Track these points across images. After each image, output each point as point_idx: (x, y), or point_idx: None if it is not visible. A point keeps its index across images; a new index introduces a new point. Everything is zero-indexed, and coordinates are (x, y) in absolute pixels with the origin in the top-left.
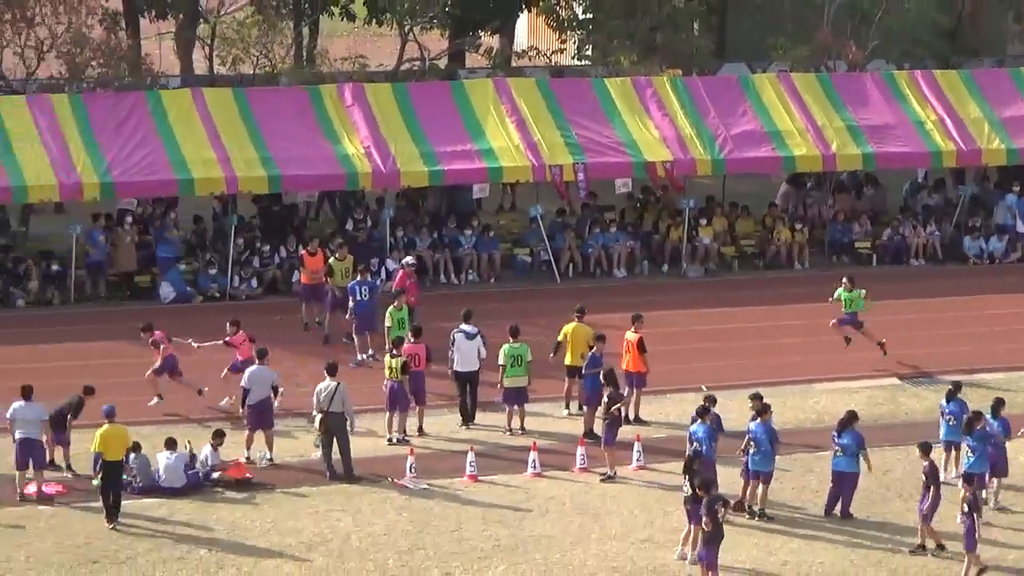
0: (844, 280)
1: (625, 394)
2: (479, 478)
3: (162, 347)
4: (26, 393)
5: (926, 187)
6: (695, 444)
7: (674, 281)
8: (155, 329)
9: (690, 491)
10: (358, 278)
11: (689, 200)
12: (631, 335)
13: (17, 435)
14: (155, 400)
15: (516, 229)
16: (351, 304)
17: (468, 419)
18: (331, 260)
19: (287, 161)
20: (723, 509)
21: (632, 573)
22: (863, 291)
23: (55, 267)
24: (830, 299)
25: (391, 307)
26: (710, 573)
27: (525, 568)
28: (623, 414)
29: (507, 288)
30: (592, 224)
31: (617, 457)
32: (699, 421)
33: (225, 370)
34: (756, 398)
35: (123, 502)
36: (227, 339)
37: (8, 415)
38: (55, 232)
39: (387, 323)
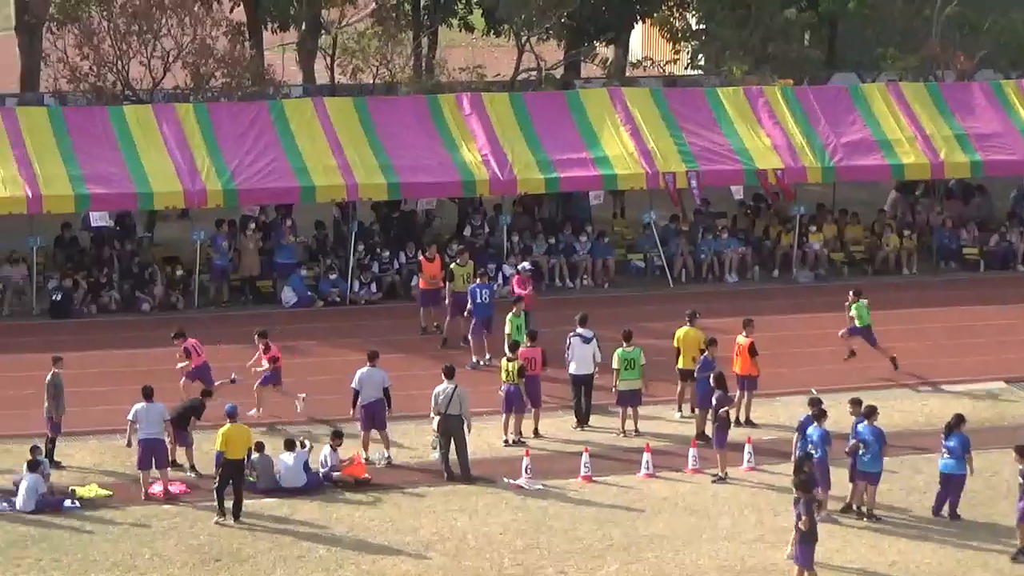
0: (851, 293)
1: (735, 397)
2: (593, 479)
3: (192, 354)
4: (147, 394)
5: None
6: (809, 446)
7: (784, 286)
8: (188, 336)
9: (799, 490)
10: (477, 281)
11: (799, 207)
12: (742, 339)
13: (140, 435)
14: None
15: (630, 235)
16: (470, 306)
17: (583, 421)
18: (452, 265)
19: (406, 168)
20: (818, 511)
21: (743, 572)
22: (866, 301)
23: (179, 272)
24: (847, 315)
25: (510, 313)
26: (805, 573)
27: (638, 567)
28: (733, 417)
29: (621, 293)
30: (704, 230)
31: (728, 459)
32: (815, 424)
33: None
34: (855, 403)
35: (245, 501)
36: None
37: (130, 416)
38: (180, 238)
39: (506, 329)
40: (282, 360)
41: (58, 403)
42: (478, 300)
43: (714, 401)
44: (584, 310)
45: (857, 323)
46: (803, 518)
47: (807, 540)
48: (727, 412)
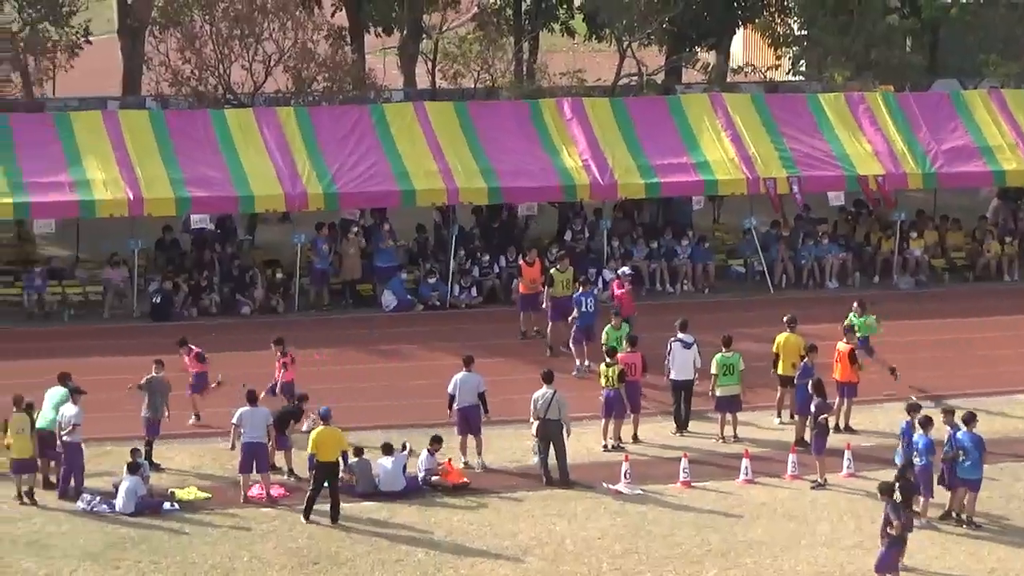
0: (855, 305)
1: (835, 404)
2: (692, 484)
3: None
4: (252, 398)
5: None
6: (913, 454)
7: (885, 292)
8: (191, 345)
9: (899, 499)
10: (581, 289)
11: (900, 213)
12: (842, 346)
13: (243, 439)
14: (192, 419)
15: (730, 240)
16: (575, 314)
17: (682, 427)
18: (552, 271)
19: (507, 173)
20: (917, 518)
21: None
22: (874, 316)
23: (279, 275)
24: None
25: (608, 325)
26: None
27: (736, 573)
28: (833, 423)
29: (721, 298)
30: (805, 236)
31: (827, 465)
32: (921, 431)
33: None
34: (948, 412)
35: (343, 504)
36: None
37: (235, 420)
38: (280, 241)
39: (603, 340)
40: (291, 371)
41: (155, 405)
42: (583, 308)
43: (813, 408)
44: (684, 315)
45: (858, 334)
46: (894, 523)
47: (895, 545)
48: (826, 419)
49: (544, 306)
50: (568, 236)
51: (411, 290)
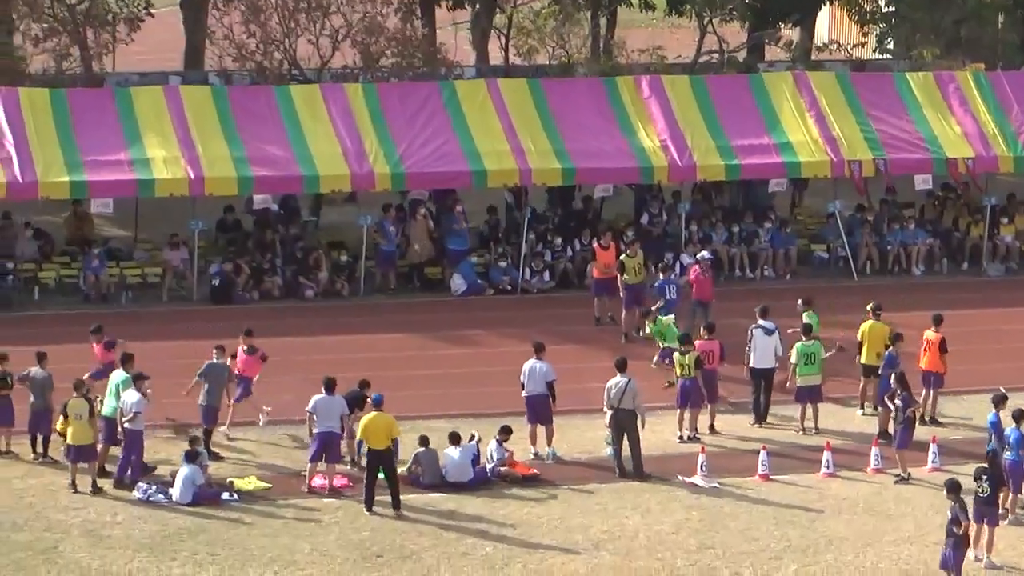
0: (800, 302)
1: (921, 397)
2: (771, 477)
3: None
4: (329, 386)
5: None
6: (1006, 448)
7: (974, 279)
8: (105, 334)
9: (986, 492)
10: (662, 276)
11: (991, 197)
12: (931, 334)
13: (317, 428)
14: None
15: (813, 225)
16: (660, 303)
17: (761, 418)
18: (623, 256)
19: (582, 153)
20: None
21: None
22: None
23: (344, 258)
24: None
25: (648, 321)
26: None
27: (816, 570)
28: (918, 415)
29: (803, 284)
30: (891, 220)
31: (911, 458)
32: (1014, 425)
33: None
34: (1001, 399)
35: (409, 496)
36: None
37: (310, 407)
38: (345, 222)
39: (646, 331)
40: (256, 366)
41: (213, 392)
42: (668, 297)
43: (899, 402)
44: (765, 302)
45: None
46: (962, 523)
47: (961, 545)
48: (914, 412)
49: (621, 293)
50: (645, 219)
51: (481, 274)
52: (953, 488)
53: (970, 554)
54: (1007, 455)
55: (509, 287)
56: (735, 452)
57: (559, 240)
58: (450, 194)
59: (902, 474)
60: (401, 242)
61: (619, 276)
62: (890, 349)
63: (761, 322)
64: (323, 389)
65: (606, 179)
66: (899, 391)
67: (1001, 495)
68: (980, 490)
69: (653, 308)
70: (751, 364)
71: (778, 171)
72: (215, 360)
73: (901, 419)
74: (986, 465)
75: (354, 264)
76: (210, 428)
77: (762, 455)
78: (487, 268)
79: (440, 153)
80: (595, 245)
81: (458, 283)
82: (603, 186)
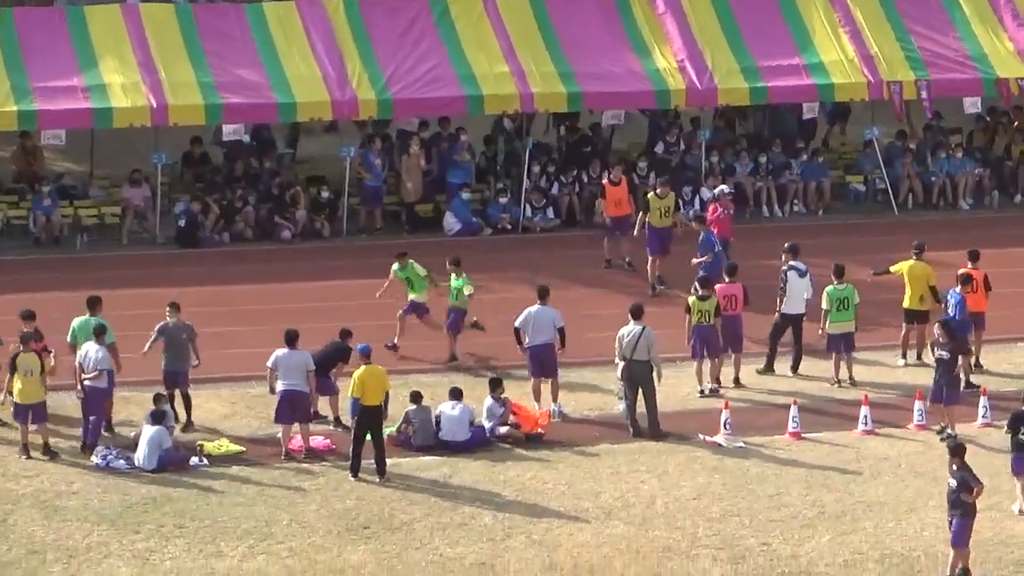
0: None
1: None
2: (803, 435)
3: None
4: (290, 339)
5: None
6: None
7: None
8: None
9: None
10: (703, 232)
11: None
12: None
13: (280, 386)
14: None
15: (849, 154)
16: (707, 257)
17: (794, 367)
18: (650, 195)
19: (589, 76)
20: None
21: (976, 545)
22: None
23: (325, 194)
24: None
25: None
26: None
27: (854, 538)
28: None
29: (837, 220)
30: (935, 149)
31: (958, 413)
32: None
33: None
34: None
35: (400, 459)
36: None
37: (270, 363)
38: (326, 155)
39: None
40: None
41: (175, 354)
42: (717, 248)
43: (942, 353)
44: (794, 240)
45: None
46: (973, 489)
47: (970, 515)
48: (961, 367)
49: (636, 232)
50: (660, 149)
51: (479, 211)
52: (957, 451)
53: (1013, 507)
54: None
55: (509, 226)
56: (762, 407)
57: (565, 174)
58: (446, 122)
59: (949, 431)
60: (388, 177)
61: (643, 215)
62: (958, 290)
63: (793, 263)
64: (285, 343)
65: (617, 104)
66: (943, 340)
67: None
68: (965, 460)
69: (695, 262)
70: (784, 310)
71: (809, 94)
72: (168, 320)
73: (948, 374)
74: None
75: (335, 201)
76: (171, 392)
77: (792, 411)
78: (484, 205)
79: (431, 76)
80: (604, 181)
81: (451, 222)
82: (613, 112)
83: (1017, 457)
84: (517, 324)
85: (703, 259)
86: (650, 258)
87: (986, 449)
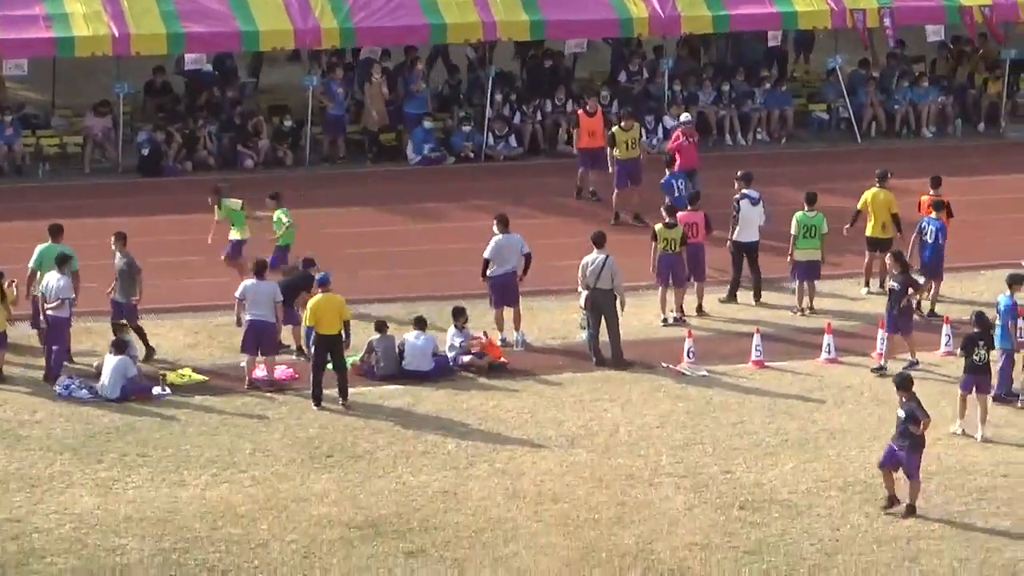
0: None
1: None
2: (766, 364)
3: None
4: (258, 270)
5: None
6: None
7: (991, 142)
8: None
9: (983, 360)
10: (668, 172)
11: (1010, 50)
12: (927, 198)
13: (247, 316)
14: None
15: (812, 82)
16: (668, 200)
17: (756, 296)
18: (615, 129)
19: (552, 4)
20: None
21: (939, 473)
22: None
23: (288, 123)
24: None
25: None
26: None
27: (817, 466)
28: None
29: (800, 149)
30: (899, 77)
31: (918, 341)
32: (1006, 292)
33: None
34: (1018, 280)
35: (363, 388)
36: None
37: (238, 293)
38: (288, 84)
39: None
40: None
41: (124, 287)
42: (676, 194)
43: (893, 284)
44: (757, 168)
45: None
46: (921, 421)
47: (919, 447)
48: (912, 295)
49: (611, 169)
50: (623, 78)
51: (442, 140)
52: (904, 384)
53: (956, 428)
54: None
55: (472, 154)
56: (725, 336)
57: (528, 103)
58: (411, 51)
59: (911, 359)
60: (351, 106)
61: (609, 150)
62: (935, 216)
63: (746, 191)
64: (253, 273)
65: (579, 33)
66: (895, 271)
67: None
68: (977, 358)
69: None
70: (735, 238)
71: (772, 22)
72: (117, 253)
73: (897, 304)
74: (978, 330)
75: (298, 130)
76: (119, 323)
77: (755, 338)
78: (447, 134)
79: (393, 5)
80: (579, 112)
81: (411, 152)
82: (576, 41)
83: (968, 377)
84: (487, 255)
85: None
86: (616, 190)
87: (947, 379)
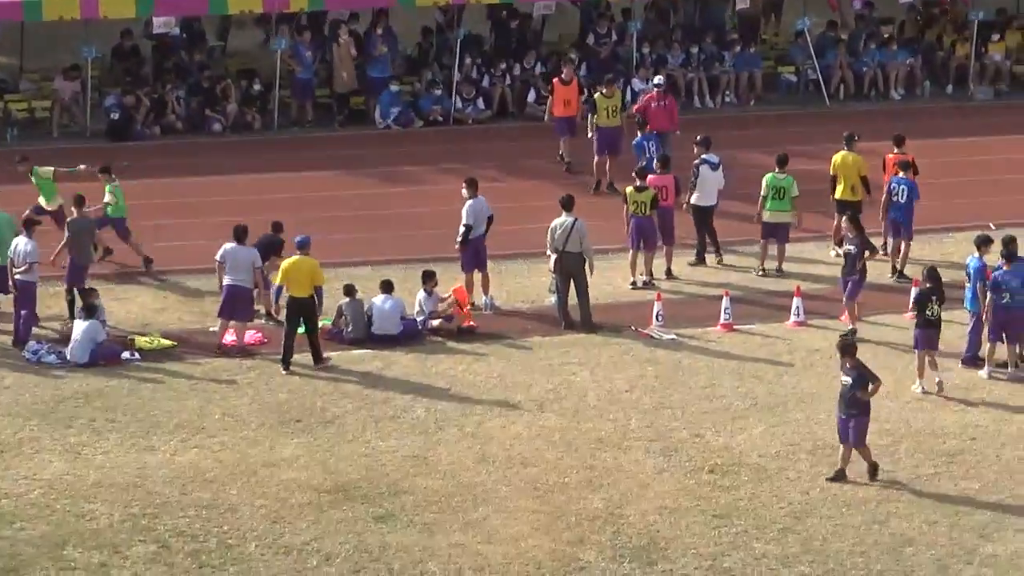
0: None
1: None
2: (735, 327)
3: None
4: (239, 235)
5: None
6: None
7: (959, 104)
8: None
9: (936, 315)
10: (640, 133)
11: (978, 11)
12: (891, 157)
13: (225, 280)
14: None
15: (781, 44)
16: (642, 164)
17: (701, 259)
18: (596, 96)
19: None
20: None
21: (908, 436)
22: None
23: (256, 87)
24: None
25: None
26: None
27: (785, 429)
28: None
29: (769, 111)
30: (867, 39)
31: (887, 303)
32: (975, 254)
33: None
34: (985, 241)
35: (333, 353)
36: None
37: (218, 257)
38: (257, 48)
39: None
40: None
41: (80, 248)
42: (648, 154)
43: (849, 248)
44: (725, 131)
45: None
46: (871, 387)
47: (866, 413)
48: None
49: (589, 135)
50: (591, 40)
51: (411, 103)
52: (848, 350)
53: (914, 387)
54: (1006, 300)
55: (440, 118)
56: (695, 299)
57: (496, 66)
58: (381, 14)
59: (852, 326)
60: (320, 69)
61: (589, 116)
62: (903, 175)
63: (706, 156)
64: (233, 237)
65: None
66: (851, 235)
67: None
68: (930, 313)
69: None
70: (693, 201)
71: None
72: (76, 214)
73: (853, 268)
74: (930, 286)
75: (267, 94)
76: (74, 287)
77: (724, 302)
78: (416, 97)
79: None
80: (554, 80)
81: (379, 116)
82: (544, 3)
83: (921, 332)
84: (468, 220)
85: (642, 165)
86: (596, 157)
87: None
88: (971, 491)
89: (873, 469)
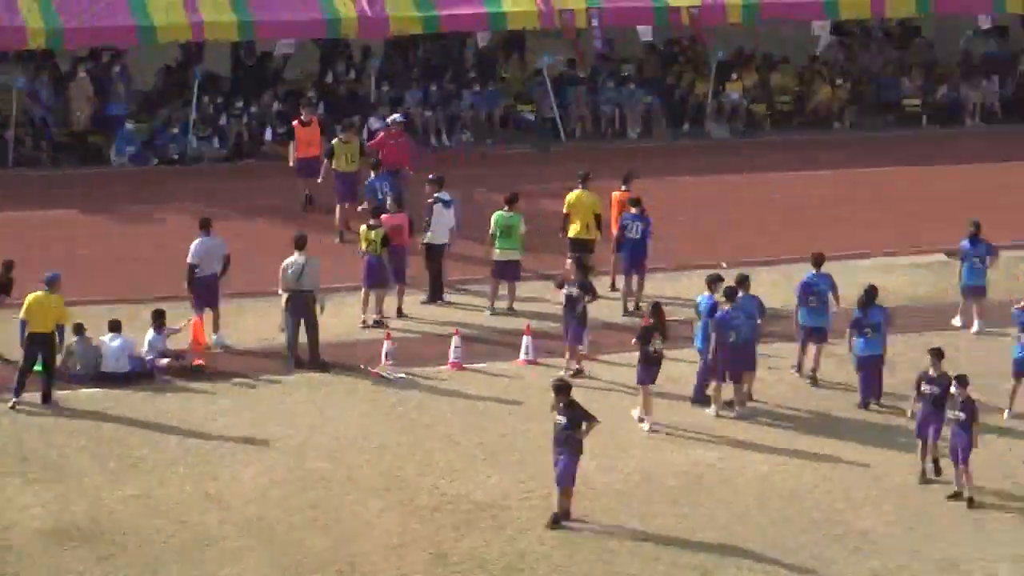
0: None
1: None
2: (464, 366)
3: None
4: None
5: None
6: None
7: (696, 142)
8: None
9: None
10: (373, 174)
11: (718, 51)
12: (620, 195)
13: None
14: None
15: (520, 82)
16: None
17: (437, 297)
18: (335, 141)
19: (261, 5)
20: None
21: (636, 472)
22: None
23: None
24: None
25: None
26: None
27: (513, 469)
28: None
29: (507, 150)
30: (606, 78)
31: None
32: (706, 292)
33: None
34: (716, 280)
35: (61, 392)
36: None
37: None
38: None
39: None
40: None
41: None
42: (380, 196)
43: (572, 291)
44: (463, 170)
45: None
46: (583, 427)
47: (579, 453)
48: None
49: (320, 179)
50: (330, 78)
51: (147, 142)
52: (562, 390)
53: (645, 426)
54: (733, 339)
55: (176, 156)
56: (426, 338)
57: (233, 104)
58: (123, 53)
59: (576, 366)
60: (57, 107)
61: (326, 162)
62: (635, 212)
63: (438, 194)
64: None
65: (288, 33)
66: (575, 277)
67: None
68: (652, 348)
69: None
70: (427, 241)
71: (480, 23)
72: None
73: (575, 313)
74: (653, 321)
75: (2, 132)
76: None
77: (455, 340)
78: (153, 135)
79: (103, 4)
80: (295, 123)
81: (115, 155)
82: (285, 42)
83: (643, 368)
84: (191, 260)
85: (363, 206)
86: (338, 205)
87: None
88: (694, 529)
89: (558, 517)
